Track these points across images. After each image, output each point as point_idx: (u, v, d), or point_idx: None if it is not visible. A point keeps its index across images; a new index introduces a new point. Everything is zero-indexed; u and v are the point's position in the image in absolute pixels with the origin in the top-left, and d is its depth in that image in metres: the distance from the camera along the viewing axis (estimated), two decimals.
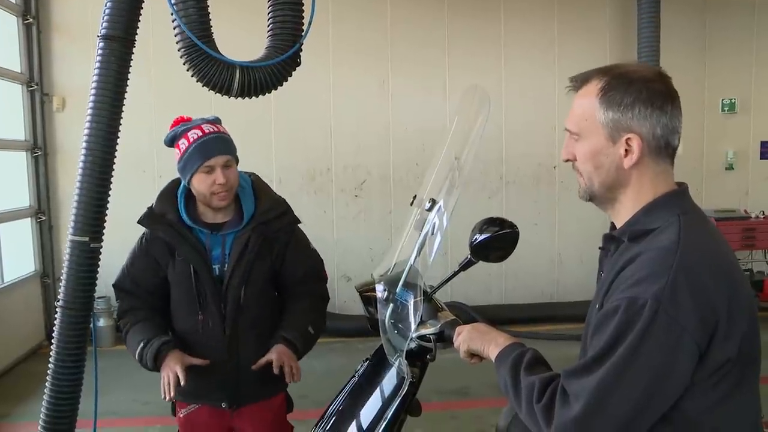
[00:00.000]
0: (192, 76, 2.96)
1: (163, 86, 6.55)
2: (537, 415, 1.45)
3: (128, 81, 2.81)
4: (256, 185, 2.60)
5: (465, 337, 1.75)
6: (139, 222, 2.54)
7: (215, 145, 2.43)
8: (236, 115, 6.77)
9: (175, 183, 2.57)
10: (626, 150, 1.47)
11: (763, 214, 7.42)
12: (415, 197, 2.11)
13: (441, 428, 4.49)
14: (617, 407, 1.35)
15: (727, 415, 1.43)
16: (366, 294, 2.08)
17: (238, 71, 2.87)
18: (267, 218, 2.53)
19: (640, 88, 1.46)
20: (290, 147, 7.08)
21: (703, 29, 7.70)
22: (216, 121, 2.53)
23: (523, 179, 7.52)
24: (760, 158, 7.96)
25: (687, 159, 7.75)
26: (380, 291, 1.94)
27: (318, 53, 6.84)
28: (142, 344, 2.42)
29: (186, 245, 2.46)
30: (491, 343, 1.68)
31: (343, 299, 7.24)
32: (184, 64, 2.95)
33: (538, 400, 1.45)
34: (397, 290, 1.89)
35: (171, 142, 2.51)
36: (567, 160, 1.60)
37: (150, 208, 2.54)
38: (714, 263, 1.42)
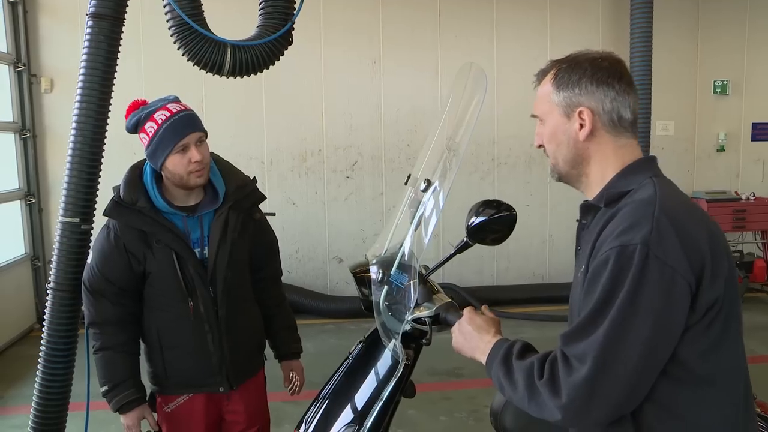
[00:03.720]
0: (183, 55, 2.92)
1: (152, 66, 6.49)
2: (541, 394, 1.44)
3: (118, 60, 2.76)
4: (219, 162, 2.55)
5: (455, 344, 1.76)
6: (105, 214, 2.39)
7: (186, 122, 2.34)
8: (227, 96, 6.85)
9: (137, 170, 2.45)
10: (580, 124, 1.58)
11: (754, 195, 7.46)
12: (409, 177, 2.10)
13: (434, 409, 4.51)
14: (626, 359, 1.37)
15: (718, 360, 1.46)
16: (360, 275, 2.06)
17: (229, 50, 2.83)
18: (242, 194, 2.51)
19: (585, 67, 1.58)
20: (281, 128, 7.04)
21: (695, 10, 7.68)
22: (177, 100, 2.43)
23: (515, 161, 7.51)
24: (752, 140, 7.98)
25: (679, 141, 7.78)
26: (375, 273, 1.92)
27: (309, 33, 6.80)
28: (109, 386, 2.40)
29: (165, 231, 2.37)
30: (476, 350, 1.69)
31: (334, 281, 7.25)
32: (174, 42, 2.90)
33: (540, 376, 1.45)
34: (392, 272, 1.86)
35: (135, 128, 2.39)
36: (540, 146, 1.69)
37: (116, 198, 2.38)
38: (690, 210, 1.51)
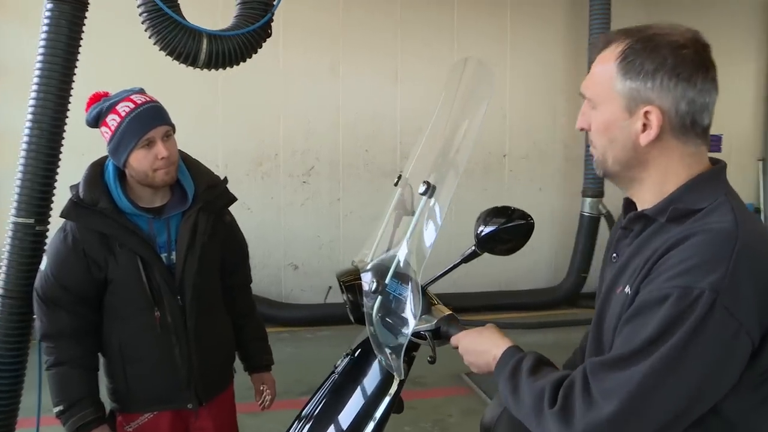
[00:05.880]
0: (155, 44, 2.73)
1: (95, 63, 6.21)
2: (549, 423, 1.27)
3: (80, 48, 2.56)
4: (188, 160, 2.37)
5: (466, 360, 1.60)
6: (63, 215, 2.17)
7: (152, 115, 2.16)
8: (181, 97, 6.58)
9: (99, 167, 2.24)
10: (644, 125, 1.30)
11: None
12: (399, 177, 1.96)
13: (398, 419, 4.38)
14: (659, 408, 1.19)
15: (762, 418, 1.30)
16: (349, 284, 1.88)
17: (205, 40, 2.65)
18: (212, 195, 2.34)
19: (665, 55, 1.28)
20: (237, 131, 6.83)
21: (649, 21, 7.78)
22: (142, 92, 2.24)
23: (474, 168, 7.47)
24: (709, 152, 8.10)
25: None
26: (368, 281, 1.74)
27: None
28: (65, 405, 2.18)
29: (129, 235, 2.16)
30: (486, 365, 1.53)
31: (289, 288, 7.07)
32: (146, 30, 2.70)
33: (551, 404, 1.27)
34: (388, 281, 1.69)
35: (96, 121, 2.18)
36: (582, 129, 1.43)
37: (74, 199, 2.17)
38: None
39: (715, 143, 8.11)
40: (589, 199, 7.26)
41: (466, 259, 1.84)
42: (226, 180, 2.45)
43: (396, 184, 1.97)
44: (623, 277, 1.36)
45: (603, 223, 7.27)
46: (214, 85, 6.47)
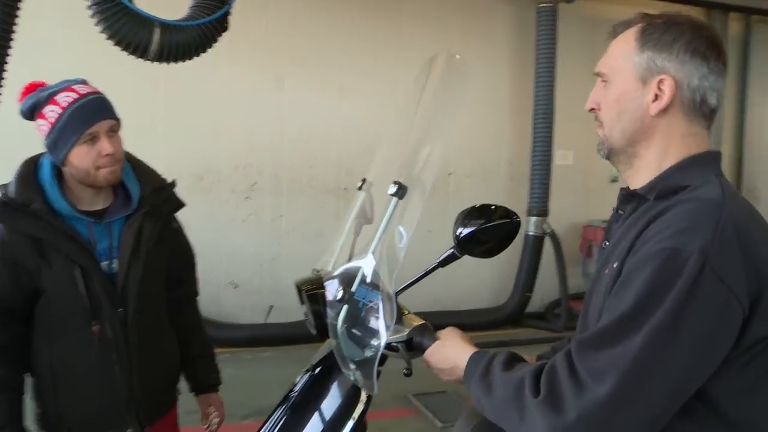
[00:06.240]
0: (102, 32, 2.53)
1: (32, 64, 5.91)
2: (536, 415, 1.15)
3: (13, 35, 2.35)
4: (133, 161, 2.19)
5: (442, 376, 1.53)
6: None
7: (97, 107, 1.97)
8: (121, 107, 6.21)
9: (33, 164, 2.04)
10: (656, 95, 1.33)
11: None
12: (364, 181, 1.86)
13: None
14: (658, 385, 1.11)
15: (753, 406, 1.23)
16: (311, 292, 1.72)
17: (157, 30, 2.46)
18: (160, 199, 2.17)
19: (683, 29, 1.32)
20: (178, 144, 6.55)
21: (593, 42, 7.92)
22: (85, 82, 2.04)
23: None
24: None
25: (575, 171, 7.95)
26: (333, 290, 1.58)
27: (213, 47, 6.43)
28: None
29: (66, 240, 1.95)
30: (454, 374, 1.47)
31: (229, 307, 6.82)
32: (92, 17, 2.51)
33: (535, 393, 1.17)
34: (355, 288, 1.55)
35: (31, 112, 1.98)
36: (591, 110, 1.44)
37: (4, 199, 1.95)
38: (759, 223, 1.28)
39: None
40: (533, 218, 7.28)
41: (444, 262, 1.73)
42: (174, 183, 2.28)
43: (360, 188, 1.87)
44: (612, 256, 1.31)
45: (547, 243, 7.29)
46: (155, 96, 6.24)
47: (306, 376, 1.80)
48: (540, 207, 7.24)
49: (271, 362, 5.98)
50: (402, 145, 1.77)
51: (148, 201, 2.12)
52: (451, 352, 1.49)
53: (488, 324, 7.28)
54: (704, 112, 1.35)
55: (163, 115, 6.49)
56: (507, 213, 1.70)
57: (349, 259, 1.76)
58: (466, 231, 1.67)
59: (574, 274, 7.61)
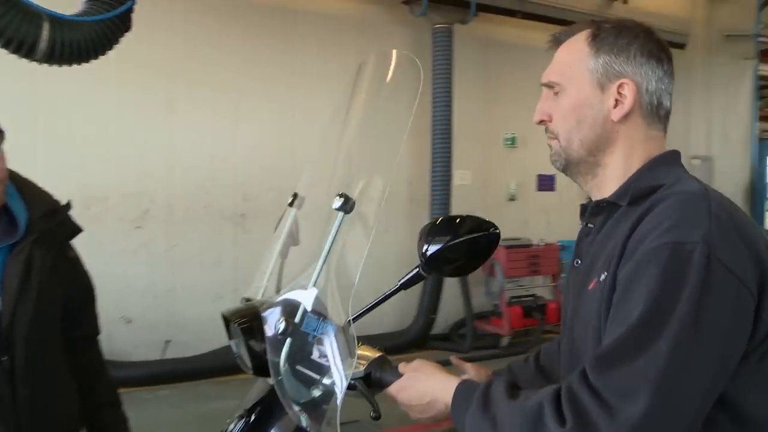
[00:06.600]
0: None
1: None
2: None
3: None
4: (18, 180, 1.94)
5: (412, 415, 1.38)
6: None
7: None
8: None
9: None
10: (616, 100, 1.29)
11: (543, 242, 7.88)
12: (295, 196, 1.71)
13: None
14: (692, 391, 1.03)
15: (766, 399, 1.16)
16: (245, 325, 1.45)
17: (47, 24, 2.13)
18: (51, 224, 1.90)
19: (636, 33, 1.31)
20: (61, 170, 6.05)
21: (486, 65, 8.07)
22: None
23: (313, 211, 7.25)
24: (537, 190, 8.50)
25: (474, 189, 8.05)
26: (274, 321, 1.36)
27: (100, 66, 6.04)
28: None
29: None
30: (439, 415, 1.33)
31: (120, 344, 6.37)
32: None
33: (560, 422, 1.04)
34: (299, 319, 1.34)
35: None
36: (541, 122, 1.38)
37: None
38: (744, 213, 1.22)
39: (549, 183, 8.51)
40: None
41: (407, 283, 1.56)
42: (69, 205, 2.01)
43: (291, 204, 1.73)
44: (594, 270, 1.22)
45: None
46: (33, 117, 5.79)
47: (240, 423, 1.57)
48: None
49: (172, 400, 5.60)
50: (337, 156, 1.62)
51: (38, 226, 1.85)
52: (428, 384, 1.34)
53: (393, 348, 7.17)
54: (660, 115, 1.33)
55: (44, 138, 6.02)
56: (479, 225, 1.54)
57: (277, 287, 1.59)
58: (432, 249, 1.49)
59: (477, 294, 7.66)
